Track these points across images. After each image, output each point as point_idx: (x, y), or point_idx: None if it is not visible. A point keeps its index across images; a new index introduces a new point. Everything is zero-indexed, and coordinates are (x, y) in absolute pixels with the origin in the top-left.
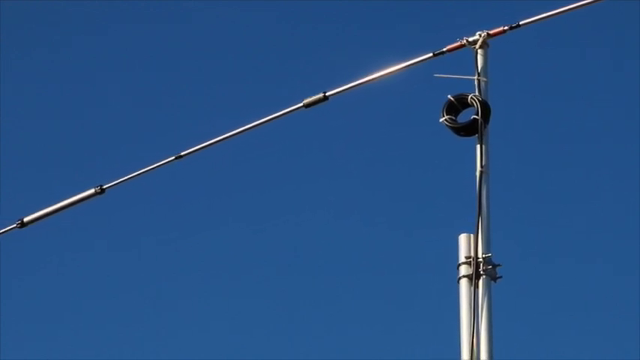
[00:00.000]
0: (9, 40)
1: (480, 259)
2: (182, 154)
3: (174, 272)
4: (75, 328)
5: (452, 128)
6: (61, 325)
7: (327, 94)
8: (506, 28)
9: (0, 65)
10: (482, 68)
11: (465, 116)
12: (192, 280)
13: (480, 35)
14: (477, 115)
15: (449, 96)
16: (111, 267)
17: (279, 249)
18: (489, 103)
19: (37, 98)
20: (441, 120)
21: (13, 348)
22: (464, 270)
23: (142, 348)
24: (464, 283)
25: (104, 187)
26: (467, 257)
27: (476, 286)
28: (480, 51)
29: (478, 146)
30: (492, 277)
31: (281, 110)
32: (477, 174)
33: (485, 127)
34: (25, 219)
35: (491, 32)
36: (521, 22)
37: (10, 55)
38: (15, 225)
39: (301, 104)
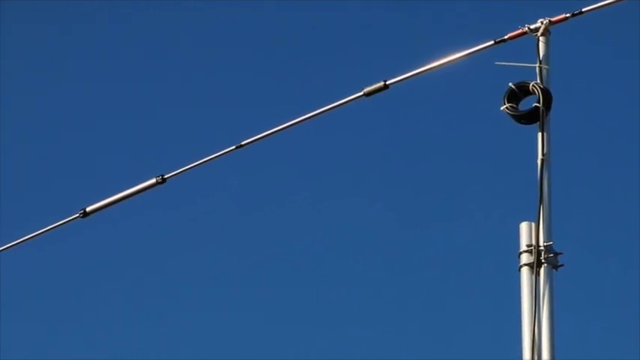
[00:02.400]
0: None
1: (542, 247)
2: (243, 143)
3: (233, 260)
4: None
5: (513, 116)
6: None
7: (387, 82)
8: (568, 15)
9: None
10: (543, 56)
11: (526, 104)
12: (249, 266)
13: (542, 22)
14: (539, 102)
15: (510, 84)
16: (175, 250)
17: (339, 235)
18: (551, 90)
19: (94, 88)
20: (502, 108)
21: (13, 348)
22: (525, 258)
23: (153, 342)
24: (525, 272)
25: (165, 176)
26: (528, 245)
27: (537, 275)
28: (541, 38)
29: (539, 134)
30: (554, 265)
31: (341, 99)
32: (539, 162)
33: (546, 115)
34: (88, 209)
35: (553, 19)
36: (583, 9)
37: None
38: (78, 215)
39: (362, 93)
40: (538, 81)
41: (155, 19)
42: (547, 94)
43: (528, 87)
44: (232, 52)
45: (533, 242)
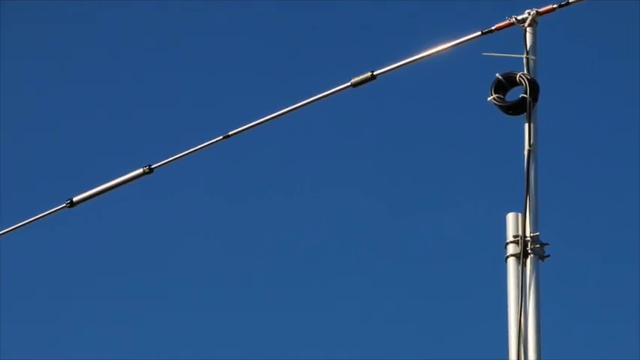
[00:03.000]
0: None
1: (528, 238)
2: (230, 133)
3: (220, 250)
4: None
5: (500, 107)
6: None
7: (374, 73)
8: (555, 6)
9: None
10: (531, 47)
11: (514, 95)
12: (236, 257)
13: (529, 13)
14: (526, 93)
15: (497, 74)
16: (160, 241)
17: (319, 225)
18: (538, 81)
19: (84, 74)
20: (489, 98)
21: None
22: (511, 249)
23: (154, 338)
24: (511, 262)
25: (152, 166)
26: (514, 236)
27: (524, 265)
28: (528, 29)
29: (526, 125)
30: (540, 255)
31: (329, 89)
32: (525, 153)
33: (533, 106)
34: (75, 198)
35: (540, 10)
36: (570, 0)
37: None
38: (64, 205)
39: (349, 83)
40: (525, 72)
41: (142, 15)
42: (534, 85)
43: (515, 78)
44: (220, 44)
45: (520, 233)
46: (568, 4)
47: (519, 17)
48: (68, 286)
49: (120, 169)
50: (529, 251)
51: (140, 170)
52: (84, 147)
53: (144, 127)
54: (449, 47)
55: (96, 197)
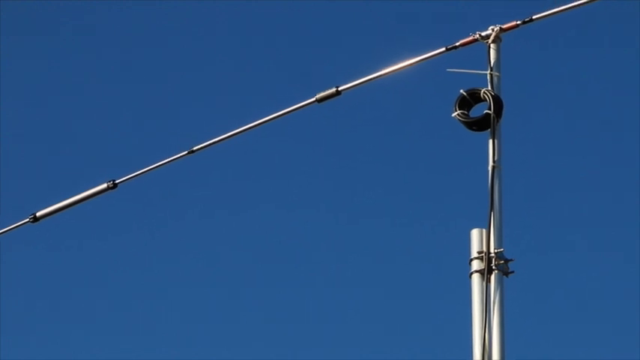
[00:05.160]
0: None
1: (492, 254)
2: (194, 148)
3: (181, 265)
4: (77, 325)
5: (464, 123)
6: (62, 325)
7: (339, 88)
8: (519, 22)
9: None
10: (494, 63)
11: (478, 111)
12: (200, 271)
13: (493, 30)
14: (490, 109)
15: (461, 90)
16: (122, 259)
17: (287, 242)
18: (502, 97)
19: (47, 87)
20: (453, 114)
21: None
22: (476, 265)
23: (145, 344)
24: (476, 278)
25: (117, 181)
26: (479, 252)
27: (488, 281)
28: (492, 45)
29: (490, 141)
30: (504, 272)
31: (294, 105)
32: (489, 169)
33: (497, 121)
34: (38, 214)
35: (504, 27)
36: (534, 17)
37: (11, 55)
38: (28, 220)
39: (314, 99)
40: (489, 88)
41: (106, 27)
42: (498, 101)
43: (479, 94)
44: (185, 57)
45: (484, 249)
46: (531, 20)
47: (483, 34)
48: (32, 303)
49: (84, 184)
50: (493, 267)
51: (104, 185)
52: (47, 162)
53: (108, 141)
54: (413, 63)
55: (60, 212)
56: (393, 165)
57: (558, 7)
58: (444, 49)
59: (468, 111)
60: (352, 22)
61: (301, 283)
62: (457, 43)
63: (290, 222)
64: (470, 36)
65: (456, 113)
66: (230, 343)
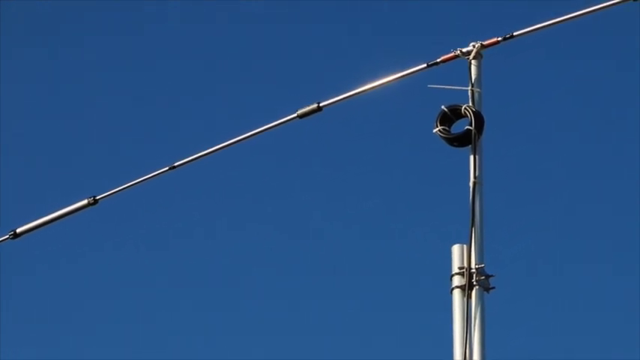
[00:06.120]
0: None
1: (473, 270)
2: (176, 164)
3: (165, 281)
4: (66, 333)
5: (445, 139)
6: (51, 330)
7: (321, 104)
8: (499, 39)
9: None
10: (475, 79)
11: (459, 127)
12: (183, 288)
13: (474, 46)
14: (471, 125)
15: (443, 107)
16: (102, 276)
17: (272, 255)
18: (483, 114)
19: (28, 105)
20: (434, 130)
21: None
22: (457, 281)
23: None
24: (457, 294)
25: (97, 197)
26: (460, 268)
27: (469, 297)
28: (473, 62)
29: (471, 157)
30: (485, 287)
31: (275, 121)
32: (471, 185)
33: (478, 137)
34: (18, 230)
35: (484, 43)
36: (514, 33)
37: None
38: (8, 236)
39: (295, 115)
40: (470, 104)
41: (83, 41)
42: (479, 117)
43: (461, 110)
44: (166, 71)
45: (465, 265)
46: (512, 37)
47: (464, 50)
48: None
49: (65, 200)
50: (474, 283)
51: (85, 201)
52: (27, 178)
53: (89, 157)
54: (395, 79)
55: (40, 228)
56: (374, 181)
57: (539, 23)
58: (425, 65)
59: (449, 127)
60: (333, 38)
61: (280, 296)
62: (438, 60)
63: (270, 235)
64: (451, 52)
65: (437, 129)
66: (213, 355)
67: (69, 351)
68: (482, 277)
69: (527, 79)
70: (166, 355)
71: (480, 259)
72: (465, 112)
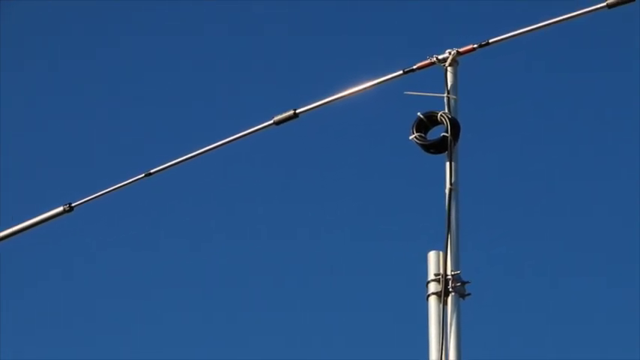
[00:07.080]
0: None
1: (449, 277)
2: (152, 171)
3: (144, 288)
4: (44, 343)
5: (421, 145)
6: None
7: (297, 111)
8: (475, 46)
9: None
10: (451, 86)
11: (435, 134)
12: (165, 296)
13: (450, 53)
14: (447, 132)
15: (419, 113)
16: (80, 285)
17: (250, 263)
18: (459, 120)
19: (4, 115)
20: (410, 137)
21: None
22: (433, 287)
23: None
24: (432, 301)
25: (73, 205)
26: (436, 274)
27: (445, 304)
28: (449, 69)
29: (447, 164)
30: (461, 294)
31: (251, 127)
32: (447, 191)
33: (454, 144)
34: None
35: (460, 50)
36: (490, 40)
37: None
38: None
39: (271, 121)
40: (446, 111)
41: (65, 49)
42: (455, 124)
43: (437, 117)
44: (143, 78)
45: (441, 271)
46: (488, 44)
47: (440, 57)
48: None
49: (41, 207)
50: (450, 289)
51: (60, 209)
52: (1, 185)
53: (64, 163)
54: (371, 86)
55: (15, 236)
56: (350, 187)
57: (515, 30)
58: (401, 71)
59: (426, 133)
60: (309, 44)
61: (253, 306)
62: (414, 66)
63: (246, 243)
64: (427, 59)
65: (414, 136)
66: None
67: (69, 351)
68: (458, 284)
69: (503, 86)
70: (166, 355)
71: (456, 265)
72: (441, 119)
